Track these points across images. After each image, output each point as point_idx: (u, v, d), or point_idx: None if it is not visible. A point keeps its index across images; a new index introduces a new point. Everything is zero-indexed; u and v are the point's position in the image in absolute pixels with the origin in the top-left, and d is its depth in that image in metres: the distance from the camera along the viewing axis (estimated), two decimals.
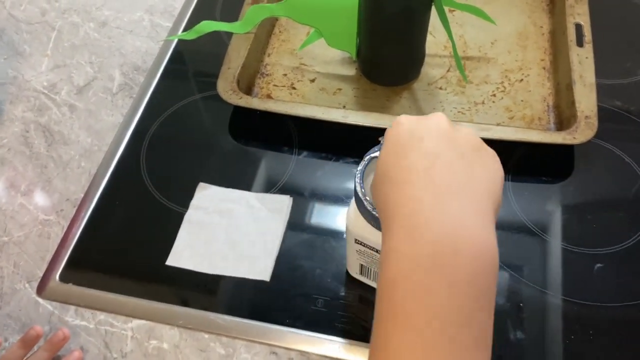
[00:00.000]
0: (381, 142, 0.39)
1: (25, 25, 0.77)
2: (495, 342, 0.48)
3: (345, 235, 0.53)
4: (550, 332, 0.50)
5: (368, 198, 0.40)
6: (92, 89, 0.70)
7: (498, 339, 0.49)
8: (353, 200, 0.44)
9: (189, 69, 0.72)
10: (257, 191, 0.60)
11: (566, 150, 0.61)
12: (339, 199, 0.59)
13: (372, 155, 0.42)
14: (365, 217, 0.41)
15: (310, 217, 0.58)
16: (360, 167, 0.41)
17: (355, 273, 0.52)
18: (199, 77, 0.71)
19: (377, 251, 0.45)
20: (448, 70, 0.69)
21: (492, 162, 0.34)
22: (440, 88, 0.67)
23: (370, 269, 0.49)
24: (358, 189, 0.40)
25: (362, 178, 0.41)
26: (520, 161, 0.61)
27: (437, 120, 0.34)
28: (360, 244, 0.45)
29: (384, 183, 0.33)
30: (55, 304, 0.54)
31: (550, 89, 0.66)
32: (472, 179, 0.31)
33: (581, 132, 0.57)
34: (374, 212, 0.39)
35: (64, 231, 0.58)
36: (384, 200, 0.33)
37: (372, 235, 0.43)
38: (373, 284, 0.52)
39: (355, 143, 0.63)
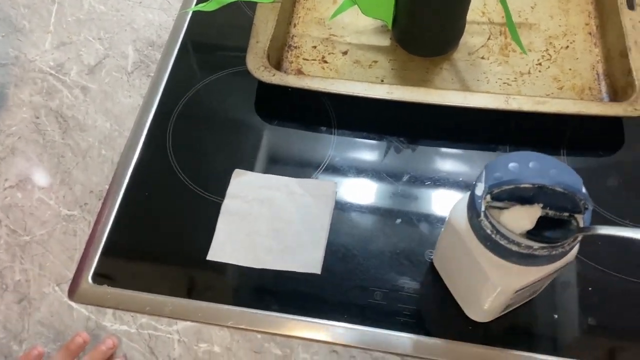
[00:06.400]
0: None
1: None
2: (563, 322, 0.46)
3: (473, 289, 0.46)
4: (619, 313, 0.48)
5: (507, 233, 0.36)
6: (105, 68, 0.64)
7: (566, 319, 0.47)
8: (488, 257, 0.39)
9: (208, 43, 0.67)
10: (297, 176, 0.56)
11: (616, 121, 0.58)
12: (385, 179, 0.55)
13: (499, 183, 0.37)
14: (510, 259, 0.38)
15: (358, 202, 0.55)
16: (479, 198, 0.37)
17: (490, 317, 0.47)
18: (220, 51, 0.66)
19: (538, 281, 0.41)
20: (489, 38, 0.64)
21: None
22: (482, 57, 0.63)
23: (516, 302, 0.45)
24: (499, 239, 0.36)
25: (487, 212, 0.37)
26: (574, 134, 0.58)
27: None
28: (521, 289, 0.41)
29: None
30: (91, 307, 0.50)
31: (598, 56, 0.62)
32: None
33: None
34: (531, 249, 0.36)
35: (91, 227, 0.54)
36: None
37: (531, 275, 0.40)
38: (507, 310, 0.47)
39: (398, 118, 0.59)
